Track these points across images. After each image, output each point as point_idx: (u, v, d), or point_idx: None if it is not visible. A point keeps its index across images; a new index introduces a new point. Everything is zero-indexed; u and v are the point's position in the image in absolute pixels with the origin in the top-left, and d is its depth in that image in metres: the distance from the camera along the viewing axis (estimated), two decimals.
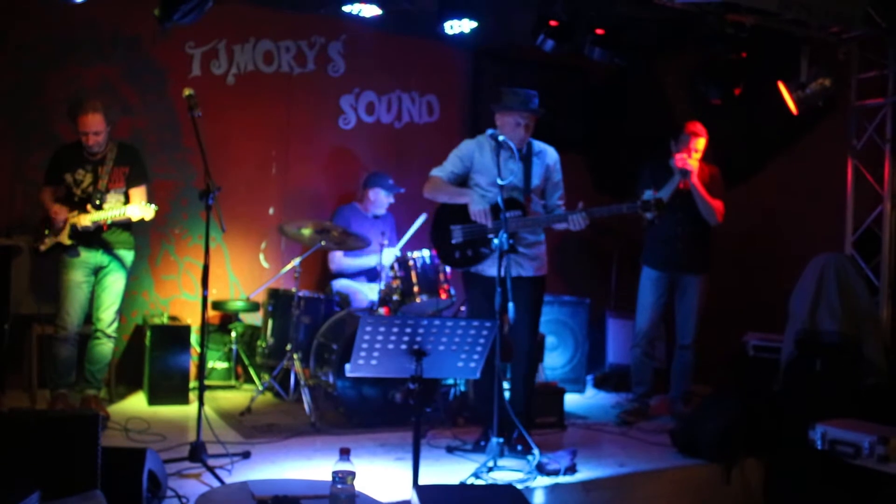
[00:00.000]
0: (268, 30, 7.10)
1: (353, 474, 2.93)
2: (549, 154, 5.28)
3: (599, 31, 5.67)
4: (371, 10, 5.72)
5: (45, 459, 3.39)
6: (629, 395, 6.53)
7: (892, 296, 6.35)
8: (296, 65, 7.23)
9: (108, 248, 5.49)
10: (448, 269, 5.75)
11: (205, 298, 4.64)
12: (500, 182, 4.85)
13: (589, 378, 7.41)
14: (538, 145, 5.25)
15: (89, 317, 5.61)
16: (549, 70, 7.95)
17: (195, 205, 6.78)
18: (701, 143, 5.93)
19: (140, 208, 5.24)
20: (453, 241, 5.13)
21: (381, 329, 3.80)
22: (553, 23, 5.58)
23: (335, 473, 2.92)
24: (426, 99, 7.79)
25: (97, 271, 5.53)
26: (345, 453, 2.97)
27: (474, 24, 5.64)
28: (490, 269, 5.09)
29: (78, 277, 5.45)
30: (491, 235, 5.02)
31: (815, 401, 5.28)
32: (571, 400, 6.65)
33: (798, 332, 5.75)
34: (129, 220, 5.28)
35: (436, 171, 5.27)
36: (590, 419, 6.28)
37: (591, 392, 7.33)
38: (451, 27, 5.69)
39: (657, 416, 6.23)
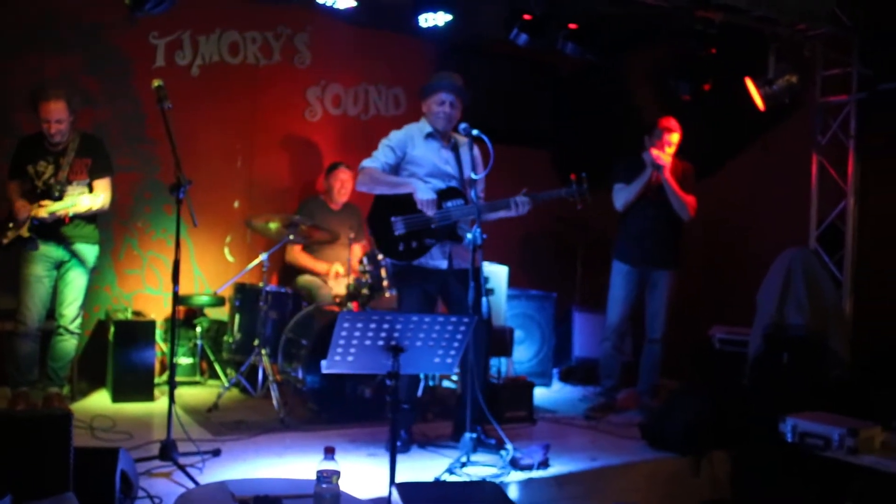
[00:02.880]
0: (233, 20, 6.98)
1: (337, 474, 2.89)
2: (471, 144, 5.17)
3: (572, 26, 5.66)
4: (345, 2, 5.64)
5: (16, 461, 3.29)
6: (596, 389, 6.56)
7: (855, 290, 6.45)
8: (262, 56, 7.13)
9: (69, 242, 5.38)
10: None
11: (175, 293, 4.54)
12: (473, 177, 4.85)
13: (555, 371, 7.42)
14: (462, 135, 5.10)
15: (52, 313, 5.50)
16: (515, 64, 7.95)
17: (159, 198, 6.68)
18: (674, 137, 5.96)
19: (89, 198, 5.20)
20: (396, 234, 5.03)
21: (360, 325, 3.74)
22: (527, 17, 5.55)
23: (320, 472, 2.87)
24: (393, 91, 7.74)
25: (59, 266, 5.42)
26: (329, 452, 2.93)
27: (449, 17, 5.59)
28: (435, 260, 5.06)
29: (39, 272, 5.33)
30: (434, 226, 4.97)
31: (782, 394, 5.33)
32: (539, 393, 6.63)
33: (766, 326, 5.80)
34: (88, 210, 5.23)
35: (368, 163, 5.14)
36: (559, 413, 6.29)
37: (557, 385, 7.33)
38: (426, 20, 5.63)
39: (625, 409, 6.25)
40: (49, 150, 5.33)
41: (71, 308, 5.46)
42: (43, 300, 5.40)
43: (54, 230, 5.30)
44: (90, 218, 5.41)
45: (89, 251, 5.48)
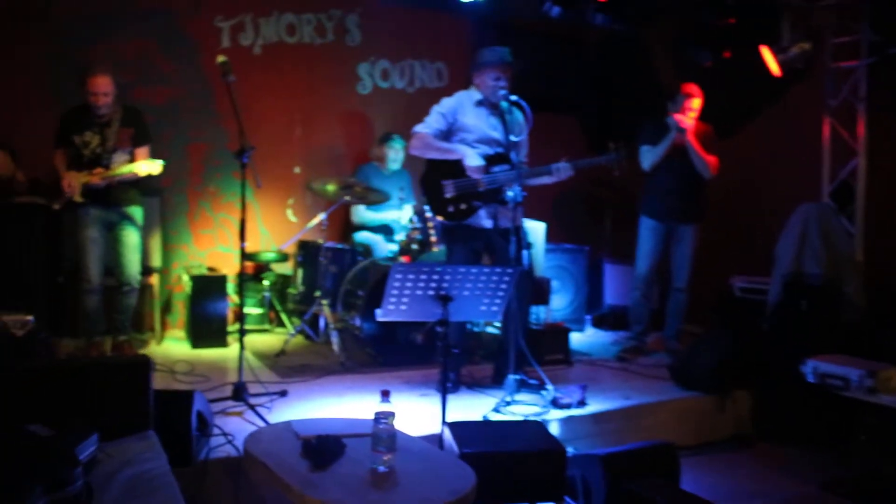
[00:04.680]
0: (290, 4, 6.77)
1: (393, 414, 2.71)
2: (518, 111, 4.81)
3: None
4: None
5: (103, 403, 3.17)
6: (626, 333, 6.33)
7: (866, 241, 6.12)
8: (316, 36, 6.90)
9: (117, 205, 5.20)
10: None
11: (242, 249, 4.39)
12: (513, 139, 4.61)
13: (588, 318, 7.19)
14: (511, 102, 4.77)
15: (112, 270, 5.32)
16: (545, 40, 7.60)
17: (227, 165, 6.53)
18: (696, 102, 5.66)
19: (147, 164, 5.00)
20: (446, 196, 4.78)
21: (411, 276, 3.56)
22: None
23: (377, 414, 2.69)
24: (436, 66, 7.47)
25: (111, 227, 5.24)
26: (385, 395, 2.74)
27: None
28: (481, 220, 4.80)
29: (93, 234, 5.16)
30: (482, 189, 4.71)
31: (801, 337, 5.07)
32: (574, 338, 6.36)
33: (784, 275, 5.51)
34: (137, 176, 5.04)
35: (421, 128, 4.83)
36: (593, 356, 6.07)
37: (590, 331, 7.09)
38: None
39: (653, 352, 6.02)
40: (94, 121, 5.11)
41: (130, 266, 5.28)
42: (100, 258, 5.21)
43: (104, 195, 5.12)
44: (133, 183, 5.22)
45: (136, 212, 5.30)
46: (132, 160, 5.14)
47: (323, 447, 2.76)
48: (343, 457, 2.75)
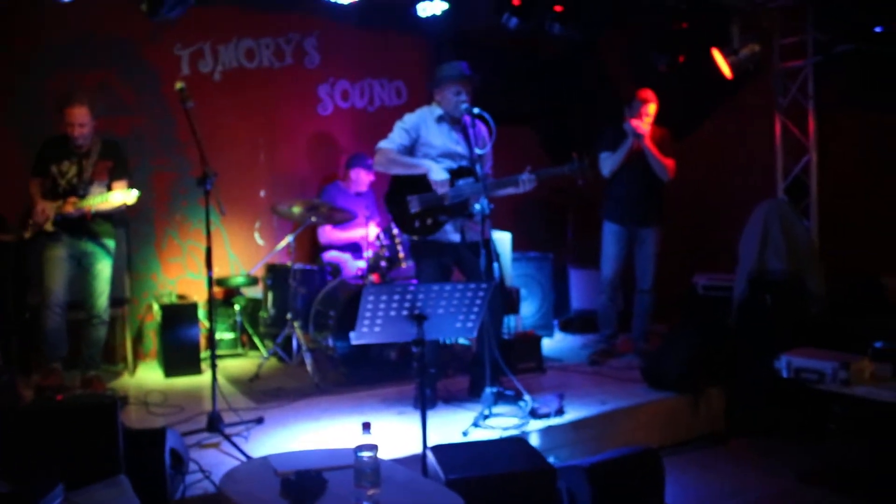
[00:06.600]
0: (248, 29, 6.49)
1: (376, 447, 2.46)
2: (482, 124, 4.57)
3: (558, 8, 5.13)
4: None
5: (69, 449, 2.88)
6: (593, 336, 6.15)
7: (821, 234, 6.02)
8: (275, 60, 6.63)
9: (91, 237, 4.85)
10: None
11: (210, 277, 4.12)
12: (478, 152, 4.39)
13: (555, 323, 6.99)
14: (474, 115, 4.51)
15: (82, 303, 4.95)
16: (501, 53, 7.40)
17: (193, 193, 6.21)
18: (651, 108, 5.49)
19: (122, 193, 4.67)
20: (412, 211, 4.54)
21: (384, 297, 3.32)
22: (516, 1, 5.03)
23: (358, 447, 2.45)
24: (395, 84, 7.24)
25: (81, 258, 4.88)
26: (366, 427, 2.50)
27: (445, 6, 5.08)
28: (449, 235, 4.57)
29: (60, 253, 4.78)
30: (448, 203, 4.48)
31: (767, 332, 4.91)
32: (544, 344, 6.20)
33: (749, 272, 5.36)
34: (112, 206, 4.71)
35: (384, 144, 4.59)
36: (564, 361, 5.87)
37: (558, 336, 6.90)
38: (424, 10, 5.11)
39: (623, 354, 5.83)
40: (73, 151, 4.81)
41: (101, 299, 4.93)
42: (66, 280, 4.81)
43: (77, 225, 4.79)
44: (107, 216, 4.91)
45: (108, 244, 4.96)
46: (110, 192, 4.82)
47: (303, 485, 2.51)
48: (325, 494, 2.50)
